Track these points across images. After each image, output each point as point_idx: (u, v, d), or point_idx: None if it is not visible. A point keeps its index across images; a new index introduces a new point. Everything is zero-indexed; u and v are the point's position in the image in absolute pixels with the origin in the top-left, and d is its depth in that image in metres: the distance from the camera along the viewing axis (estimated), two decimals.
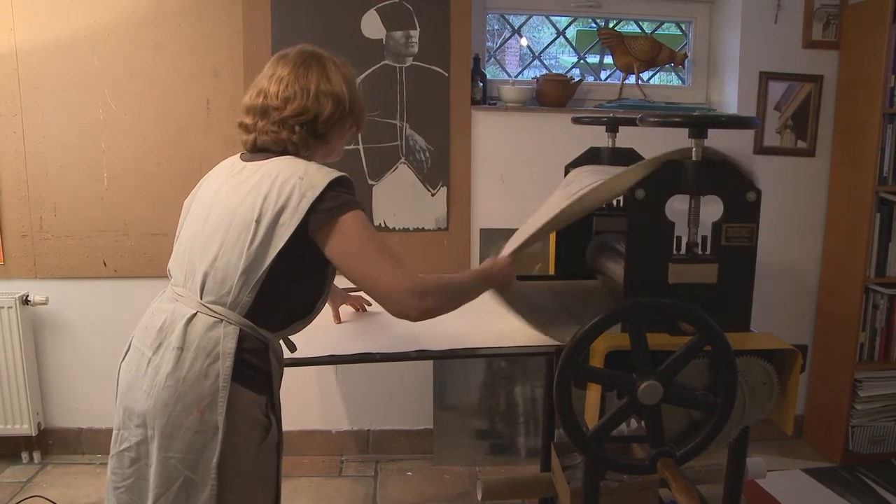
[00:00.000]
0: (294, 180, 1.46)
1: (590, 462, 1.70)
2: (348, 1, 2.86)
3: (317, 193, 1.44)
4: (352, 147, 2.93)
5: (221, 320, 1.47)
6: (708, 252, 1.65)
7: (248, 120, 1.58)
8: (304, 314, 1.59)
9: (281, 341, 1.60)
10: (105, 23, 2.80)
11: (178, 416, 1.44)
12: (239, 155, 1.64)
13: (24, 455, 3.01)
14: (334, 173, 1.49)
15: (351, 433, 3.17)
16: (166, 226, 2.93)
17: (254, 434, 1.50)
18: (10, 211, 2.89)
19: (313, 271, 1.53)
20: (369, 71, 2.90)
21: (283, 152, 1.55)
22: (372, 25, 2.88)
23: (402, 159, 2.97)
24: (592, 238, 2.43)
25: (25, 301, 2.88)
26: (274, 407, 1.55)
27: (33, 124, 2.84)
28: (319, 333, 1.89)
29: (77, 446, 3.10)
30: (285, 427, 3.14)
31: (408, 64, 2.92)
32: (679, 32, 3.36)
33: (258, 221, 1.44)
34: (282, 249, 1.43)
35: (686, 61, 3.25)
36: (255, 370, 1.49)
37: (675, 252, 1.64)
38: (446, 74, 2.93)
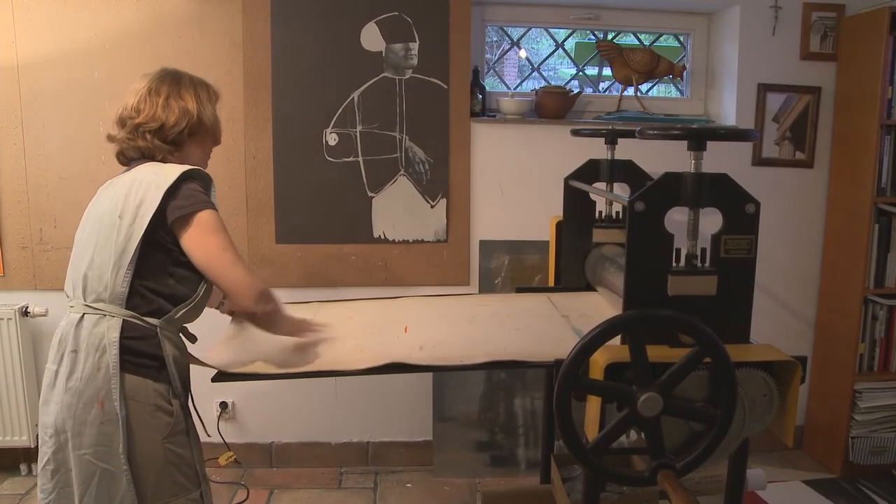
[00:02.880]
0: (150, 177, 1.62)
1: (590, 474, 1.70)
2: (348, 14, 2.87)
3: (170, 182, 1.59)
4: (351, 159, 2.94)
5: (104, 315, 1.59)
6: (707, 264, 1.65)
7: (112, 131, 1.78)
8: (186, 298, 1.69)
9: (181, 334, 1.75)
10: (106, 36, 2.81)
11: (82, 413, 1.57)
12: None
13: (23, 467, 3.00)
14: (186, 166, 1.66)
15: (350, 445, 3.16)
16: None
17: (156, 422, 1.61)
18: (10, 222, 2.90)
19: (182, 256, 1.65)
20: (369, 83, 2.91)
21: (143, 159, 1.73)
22: (371, 38, 2.89)
23: (402, 171, 2.98)
24: (592, 250, 2.44)
25: (25, 313, 2.88)
26: (176, 393, 1.66)
27: (34, 136, 2.85)
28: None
29: None
30: (286, 439, 3.15)
31: (407, 76, 2.93)
32: (677, 44, 3.37)
33: (121, 217, 1.60)
34: (144, 236, 1.58)
35: (684, 73, 3.26)
36: (146, 356, 1.61)
37: (674, 264, 1.64)
38: (445, 87, 2.94)
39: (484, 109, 3.07)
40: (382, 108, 2.93)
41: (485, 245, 3.08)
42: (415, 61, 2.92)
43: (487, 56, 3.27)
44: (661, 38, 3.35)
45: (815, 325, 3.28)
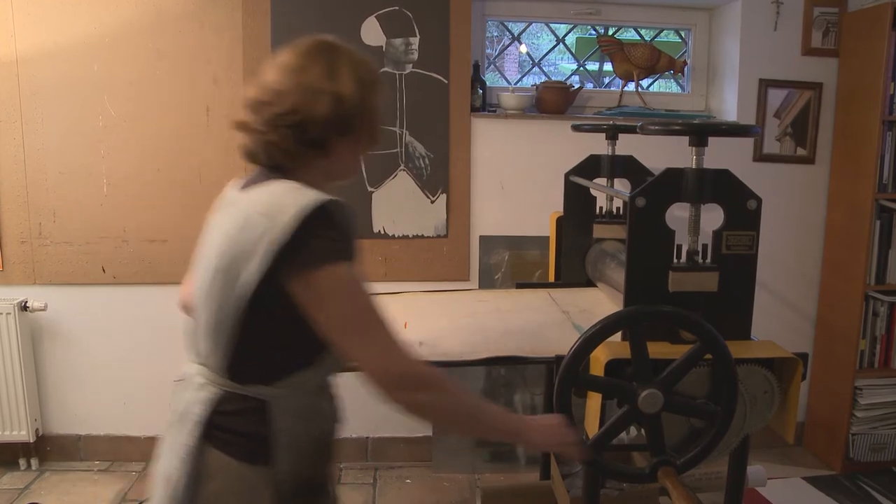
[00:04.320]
0: (262, 221, 1.18)
1: (590, 470, 1.69)
2: (348, 8, 2.86)
3: (286, 232, 1.15)
4: None
5: (201, 382, 1.29)
6: (708, 260, 1.64)
7: (245, 117, 1.30)
8: (309, 363, 1.29)
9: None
10: (105, 29, 2.80)
11: (174, 489, 1.28)
12: (241, 179, 1.37)
13: (22, 462, 3.00)
14: (309, 204, 1.17)
15: (350, 440, 3.16)
16: (165, 232, 2.93)
17: None
18: (9, 217, 2.89)
19: (300, 318, 1.21)
20: None
21: (277, 167, 1.28)
22: (372, 32, 2.88)
23: (402, 166, 2.97)
24: (592, 246, 2.43)
25: (24, 307, 2.88)
26: (280, 481, 1.27)
27: (33, 131, 2.84)
28: None
29: (75, 453, 3.09)
30: None
31: (407, 71, 2.92)
32: (678, 40, 3.36)
33: (223, 271, 1.22)
34: (251, 302, 1.19)
35: (685, 68, 3.26)
36: (237, 434, 1.26)
37: (675, 260, 1.64)
38: (446, 81, 2.93)
39: (484, 104, 3.06)
40: (382, 103, 2.91)
41: (485, 240, 3.07)
42: (415, 56, 2.91)
43: (488, 51, 3.26)
44: (662, 34, 3.34)
45: (815, 322, 3.28)
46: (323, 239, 1.17)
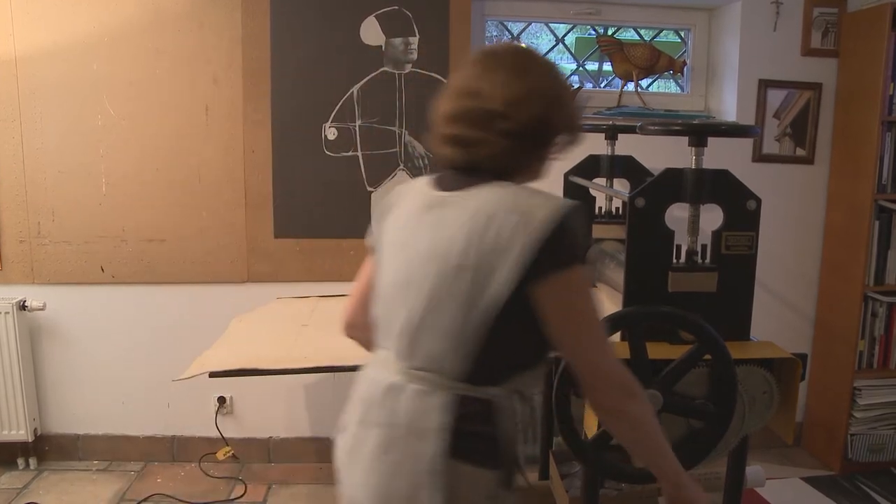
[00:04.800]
0: (511, 217, 1.15)
1: (589, 470, 1.69)
2: (347, 7, 2.86)
3: (545, 227, 1.13)
4: (350, 153, 2.93)
5: (432, 388, 1.21)
6: (708, 260, 1.64)
7: (458, 130, 1.23)
8: (534, 363, 1.27)
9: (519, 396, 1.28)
10: (104, 29, 2.80)
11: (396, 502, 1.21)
12: (430, 180, 1.32)
13: (21, 461, 3.00)
14: (561, 206, 1.16)
15: None
16: (164, 232, 2.93)
17: None
18: (8, 216, 2.89)
19: (535, 318, 1.19)
20: (368, 78, 2.90)
21: (497, 173, 1.24)
22: (371, 32, 2.88)
23: (401, 166, 2.97)
24: (591, 246, 2.43)
25: (23, 307, 2.87)
26: (510, 480, 1.25)
27: (32, 130, 2.84)
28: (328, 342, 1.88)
29: (74, 452, 3.08)
30: (284, 434, 3.15)
31: (407, 71, 2.92)
32: (678, 40, 3.36)
33: (472, 270, 1.16)
34: (501, 303, 1.16)
35: (685, 69, 3.25)
36: (478, 438, 1.21)
37: (674, 260, 1.64)
38: (445, 81, 2.92)
39: None
40: (382, 103, 2.92)
41: None
42: (414, 56, 2.91)
43: None
44: (662, 34, 3.34)
45: (814, 322, 3.27)
46: (571, 240, 1.16)
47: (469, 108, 1.22)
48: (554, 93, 1.24)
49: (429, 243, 1.22)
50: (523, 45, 1.18)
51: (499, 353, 1.20)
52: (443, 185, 1.28)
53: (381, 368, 1.28)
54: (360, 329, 1.44)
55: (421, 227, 1.25)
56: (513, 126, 1.20)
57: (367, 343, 1.42)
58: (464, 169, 1.25)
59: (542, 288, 1.15)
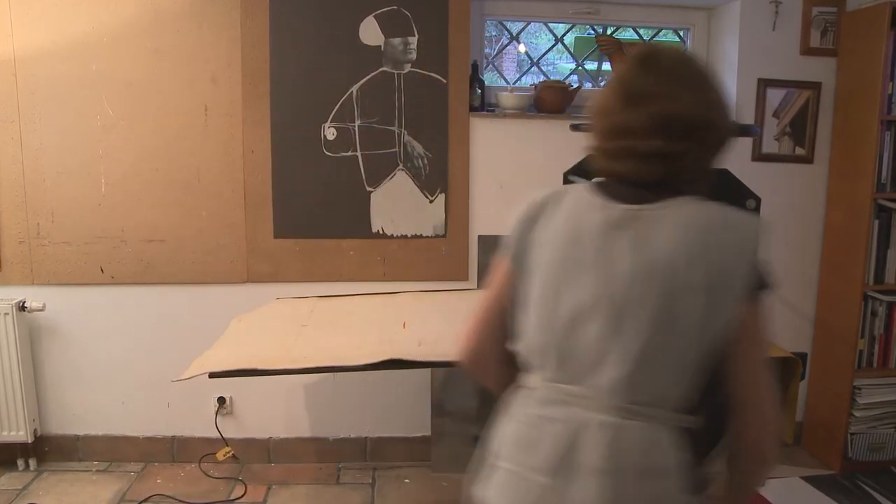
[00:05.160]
0: (730, 235, 1.10)
1: None
2: (347, 8, 2.86)
3: (754, 244, 1.10)
4: (349, 153, 2.93)
5: (660, 423, 1.11)
6: None
7: (658, 142, 1.13)
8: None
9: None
10: (103, 29, 2.80)
11: None
12: (592, 190, 1.21)
13: (20, 462, 2.99)
14: (761, 224, 1.13)
15: (349, 440, 3.16)
16: (164, 232, 2.92)
17: None
18: (7, 217, 2.89)
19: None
20: (367, 78, 2.90)
21: (683, 183, 1.17)
22: (370, 32, 2.88)
23: (401, 166, 2.97)
24: None
25: (22, 307, 2.87)
26: None
27: (31, 130, 2.84)
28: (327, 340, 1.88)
29: (73, 453, 3.08)
30: (284, 434, 3.15)
31: (406, 70, 2.91)
32: (677, 39, 3.36)
33: (708, 290, 1.08)
34: (731, 325, 1.10)
35: None
36: (701, 469, 1.17)
37: None
38: (444, 81, 2.93)
39: (483, 104, 3.06)
40: (381, 103, 2.92)
41: (483, 240, 3.07)
42: (414, 56, 2.91)
43: (486, 51, 3.26)
44: (661, 33, 3.34)
45: (814, 322, 3.27)
46: (764, 261, 1.12)
47: (668, 118, 1.13)
48: (727, 97, 1.20)
49: (635, 261, 1.11)
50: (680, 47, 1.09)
51: (705, 379, 1.13)
52: (620, 196, 1.17)
53: (566, 406, 1.14)
54: (487, 359, 1.28)
55: (613, 242, 1.13)
56: (712, 135, 1.16)
57: (492, 375, 1.28)
58: (650, 185, 1.15)
59: (747, 309, 1.10)
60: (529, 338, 1.19)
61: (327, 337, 1.95)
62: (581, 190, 1.22)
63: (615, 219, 1.14)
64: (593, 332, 1.12)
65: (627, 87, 1.17)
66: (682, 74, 1.16)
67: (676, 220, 1.11)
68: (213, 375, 1.73)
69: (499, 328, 1.25)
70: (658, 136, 1.12)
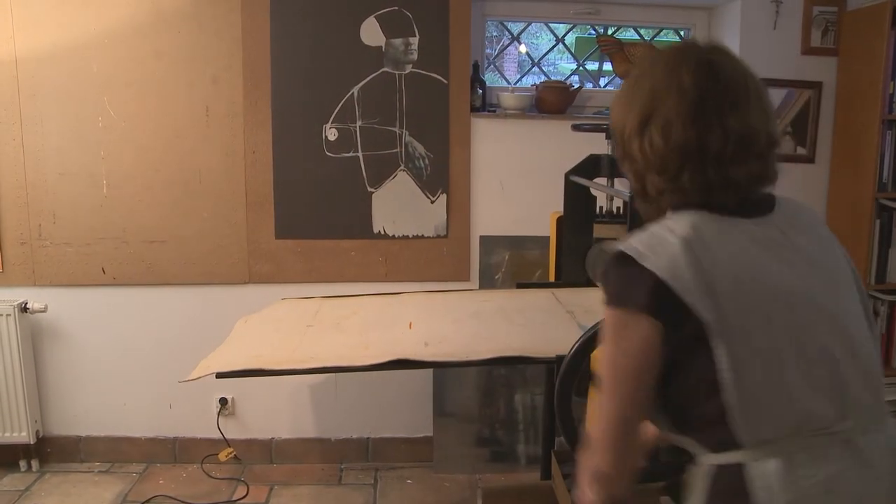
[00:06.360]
0: (828, 231, 1.25)
1: None
2: (347, 8, 2.86)
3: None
4: (351, 154, 2.93)
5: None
6: None
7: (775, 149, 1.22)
8: None
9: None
10: (104, 30, 2.80)
11: None
12: (706, 217, 1.12)
13: (23, 463, 3.00)
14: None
15: (351, 441, 3.16)
16: (165, 233, 2.93)
17: None
18: (9, 218, 2.89)
19: None
20: (368, 78, 2.90)
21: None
22: (371, 33, 2.88)
23: (402, 166, 2.97)
24: (592, 245, 2.43)
25: (24, 308, 2.87)
26: None
27: (32, 132, 2.84)
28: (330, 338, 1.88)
29: (76, 454, 3.08)
30: (286, 435, 3.15)
31: (407, 71, 2.92)
32: (678, 39, 3.36)
33: (858, 288, 1.16)
34: None
35: None
36: None
37: None
38: (445, 81, 2.93)
39: (484, 104, 3.06)
40: (382, 103, 2.92)
41: (485, 240, 3.07)
42: (415, 56, 2.91)
43: (487, 51, 3.26)
44: (662, 33, 3.34)
45: None
46: None
47: (774, 125, 1.16)
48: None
49: (817, 272, 1.10)
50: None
51: None
52: (739, 212, 1.15)
53: (845, 454, 1.00)
54: (632, 470, 1.08)
55: (774, 265, 1.07)
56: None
57: (630, 478, 1.08)
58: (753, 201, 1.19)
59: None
60: (784, 404, 1.01)
61: (333, 337, 1.95)
62: (692, 220, 1.09)
63: (760, 239, 1.10)
64: (838, 356, 1.03)
65: (735, 93, 1.15)
66: (751, 75, 1.20)
67: (797, 224, 1.17)
68: (220, 376, 1.73)
69: (637, 430, 1.08)
70: (776, 145, 1.21)
